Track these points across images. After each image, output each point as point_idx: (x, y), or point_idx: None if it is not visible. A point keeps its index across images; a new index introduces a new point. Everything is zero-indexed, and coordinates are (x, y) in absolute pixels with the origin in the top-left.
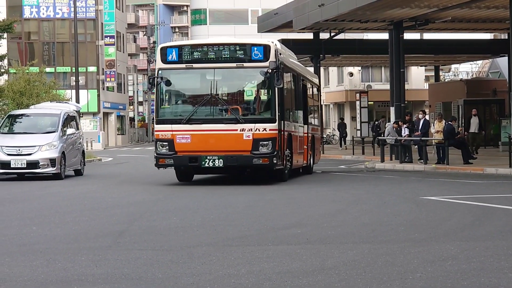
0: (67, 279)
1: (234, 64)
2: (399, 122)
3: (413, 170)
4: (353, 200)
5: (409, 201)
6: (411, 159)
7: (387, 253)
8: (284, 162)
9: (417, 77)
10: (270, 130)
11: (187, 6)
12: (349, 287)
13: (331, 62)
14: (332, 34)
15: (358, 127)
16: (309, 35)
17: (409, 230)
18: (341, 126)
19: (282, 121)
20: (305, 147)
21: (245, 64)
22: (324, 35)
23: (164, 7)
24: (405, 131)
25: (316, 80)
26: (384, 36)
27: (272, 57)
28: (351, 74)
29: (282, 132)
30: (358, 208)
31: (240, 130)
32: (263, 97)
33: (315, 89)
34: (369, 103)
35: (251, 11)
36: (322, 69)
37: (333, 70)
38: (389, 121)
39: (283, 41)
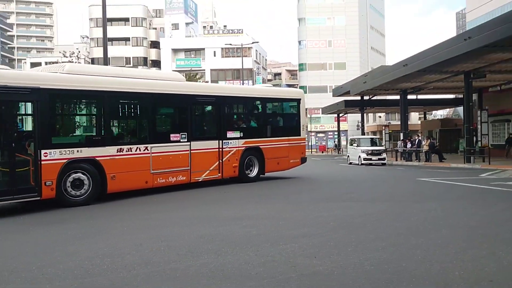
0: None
1: None
2: (406, 140)
3: (412, 165)
4: (381, 179)
5: (411, 181)
6: (411, 159)
7: (399, 207)
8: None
9: (414, 117)
10: None
11: (297, 84)
12: (379, 221)
13: (369, 110)
14: (370, 96)
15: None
16: (358, 97)
17: (411, 195)
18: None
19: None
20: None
21: None
22: (366, 97)
23: (286, 86)
24: (408, 145)
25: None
26: (396, 97)
27: None
28: (379, 116)
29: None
30: (384, 184)
31: None
32: None
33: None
34: (389, 131)
35: (328, 86)
36: (365, 114)
37: (370, 114)
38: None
39: (345, 101)
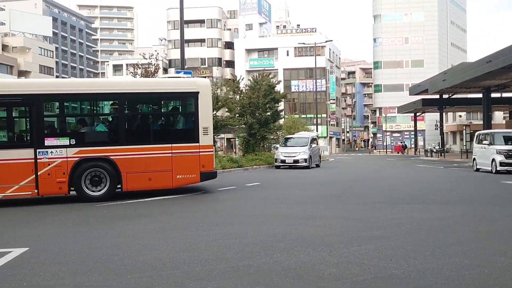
0: (310, 215)
1: None
2: None
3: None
4: (459, 180)
5: (493, 183)
6: None
7: (481, 210)
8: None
9: (499, 116)
10: None
11: (371, 83)
12: (459, 225)
13: (449, 109)
14: (450, 95)
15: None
16: (437, 96)
17: (494, 198)
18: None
19: None
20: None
21: None
22: (445, 96)
23: (359, 84)
24: None
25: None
26: (479, 95)
27: None
28: (460, 116)
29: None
30: (462, 185)
31: None
32: None
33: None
34: (470, 131)
35: (405, 85)
36: (444, 113)
37: (449, 114)
38: None
39: (423, 100)
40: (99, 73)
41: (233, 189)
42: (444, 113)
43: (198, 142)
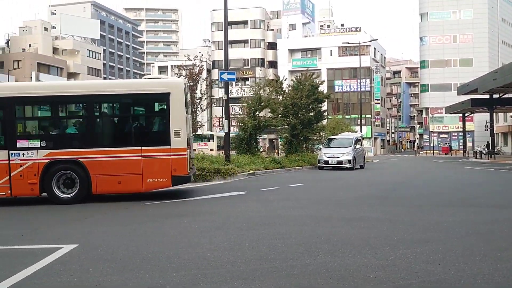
0: (355, 217)
1: None
2: None
3: None
4: (509, 183)
5: None
6: None
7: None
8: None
9: None
10: None
11: (418, 82)
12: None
13: (499, 110)
14: (501, 94)
15: None
16: (487, 96)
17: None
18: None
19: None
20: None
21: None
22: (495, 95)
23: (405, 84)
24: None
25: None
26: None
27: None
28: (511, 116)
29: None
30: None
31: None
32: None
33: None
34: None
35: (453, 84)
36: (494, 114)
37: (500, 114)
38: None
39: (472, 100)
40: (145, 74)
41: (276, 189)
42: (494, 114)
43: (169, 145)
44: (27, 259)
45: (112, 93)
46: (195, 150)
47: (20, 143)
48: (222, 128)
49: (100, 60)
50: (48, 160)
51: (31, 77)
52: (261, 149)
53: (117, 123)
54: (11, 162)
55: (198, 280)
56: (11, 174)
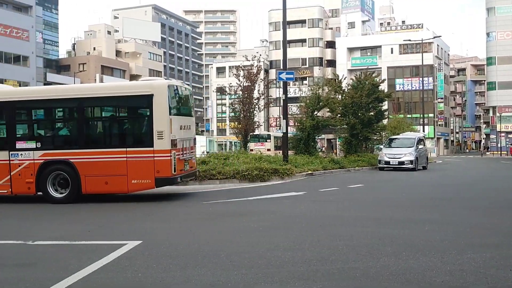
0: (418, 219)
1: None
2: None
3: None
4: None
5: None
6: None
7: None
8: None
9: None
10: None
11: (484, 80)
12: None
13: None
14: None
15: None
16: None
17: None
18: None
19: None
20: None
21: None
22: None
23: (470, 82)
24: None
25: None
26: None
27: None
28: None
29: None
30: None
31: None
32: None
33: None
34: None
35: None
36: None
37: None
38: None
39: None
40: (203, 75)
41: (335, 190)
42: None
43: (152, 147)
44: (94, 254)
45: (98, 96)
46: (251, 150)
47: (19, 144)
48: (279, 128)
49: (161, 62)
50: (42, 161)
51: (95, 79)
52: (322, 149)
53: (104, 125)
54: (11, 162)
55: (259, 279)
56: (11, 173)
